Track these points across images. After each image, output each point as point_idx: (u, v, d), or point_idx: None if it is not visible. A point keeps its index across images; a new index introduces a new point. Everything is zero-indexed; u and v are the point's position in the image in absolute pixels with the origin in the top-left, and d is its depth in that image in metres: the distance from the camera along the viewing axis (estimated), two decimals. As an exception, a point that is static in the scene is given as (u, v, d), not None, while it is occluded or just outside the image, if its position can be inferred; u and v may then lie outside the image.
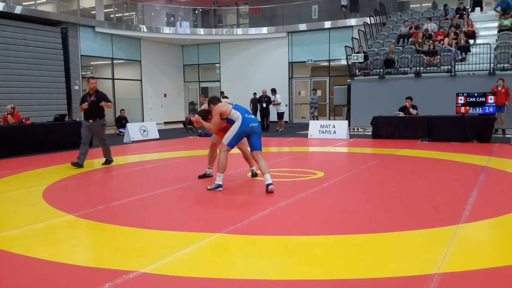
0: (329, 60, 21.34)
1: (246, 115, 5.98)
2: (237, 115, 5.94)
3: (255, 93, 18.53)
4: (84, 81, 20.42)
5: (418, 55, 15.75)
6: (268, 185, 5.75)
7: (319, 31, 21.26)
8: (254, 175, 6.96)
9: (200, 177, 6.91)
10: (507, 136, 12.70)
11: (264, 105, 16.93)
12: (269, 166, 6.64)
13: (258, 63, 22.74)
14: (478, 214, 4.61)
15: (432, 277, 2.99)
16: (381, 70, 16.21)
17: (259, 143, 6.04)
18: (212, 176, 6.92)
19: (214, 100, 6.17)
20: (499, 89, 13.13)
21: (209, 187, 5.98)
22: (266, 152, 10.56)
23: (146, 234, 4.11)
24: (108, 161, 8.75)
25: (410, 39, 16.99)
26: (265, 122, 17.02)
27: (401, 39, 17.60)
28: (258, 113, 17.10)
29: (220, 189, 5.89)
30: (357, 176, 7.08)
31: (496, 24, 16.87)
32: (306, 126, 14.91)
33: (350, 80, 17.20)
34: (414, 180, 6.65)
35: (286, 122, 17.16)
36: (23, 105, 15.55)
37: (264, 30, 22.37)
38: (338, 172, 7.38)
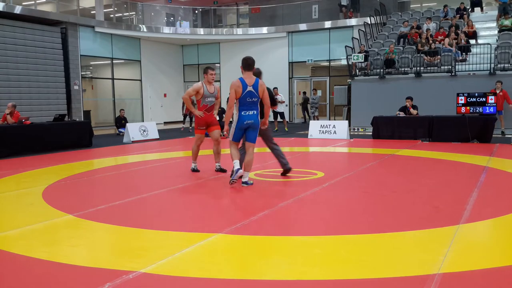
0: (329, 60, 21.34)
1: (243, 112, 6.04)
2: (237, 110, 6.05)
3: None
4: (84, 81, 20.45)
5: (418, 55, 15.75)
6: (244, 182, 6.16)
7: (319, 31, 21.25)
8: (287, 170, 6.93)
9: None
10: (507, 136, 12.70)
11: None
12: (269, 166, 6.67)
13: (258, 63, 22.33)
14: (479, 214, 4.60)
15: (432, 277, 2.99)
16: (382, 70, 16.20)
17: (253, 136, 6.18)
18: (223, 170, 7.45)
19: (246, 64, 6.10)
20: (498, 92, 13.01)
21: (234, 180, 6.15)
22: (266, 153, 10.56)
23: (146, 234, 4.10)
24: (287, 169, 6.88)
25: (414, 33, 16.92)
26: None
27: (402, 39, 17.60)
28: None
29: (240, 171, 6.08)
30: (357, 176, 7.07)
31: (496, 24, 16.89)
32: (306, 126, 14.90)
33: (350, 80, 17.20)
34: (414, 180, 6.64)
35: (280, 122, 17.04)
36: (22, 105, 15.56)
37: (264, 30, 22.37)
38: (338, 172, 7.38)
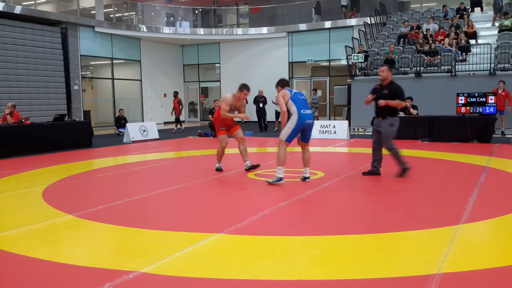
0: (329, 60, 21.34)
1: (302, 111, 6.16)
2: (293, 109, 6.13)
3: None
4: (84, 81, 20.44)
5: (418, 55, 15.75)
6: (304, 178, 6.43)
7: (319, 31, 21.25)
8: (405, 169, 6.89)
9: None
10: (507, 136, 12.69)
11: (261, 105, 16.88)
12: (270, 166, 6.67)
13: (258, 63, 22.73)
14: (479, 214, 4.60)
15: (432, 277, 2.99)
16: (381, 70, 16.17)
17: (308, 136, 6.44)
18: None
19: (283, 83, 6.44)
20: (500, 91, 13.01)
21: (270, 181, 6.18)
22: (266, 153, 10.57)
23: (146, 234, 4.10)
24: (404, 169, 6.76)
25: (414, 33, 16.92)
26: (262, 122, 16.98)
27: (402, 39, 17.60)
28: (255, 113, 17.07)
29: (282, 181, 6.15)
30: (357, 176, 7.07)
31: (496, 24, 16.88)
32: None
33: (350, 80, 17.19)
34: (415, 180, 6.64)
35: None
36: (22, 105, 15.55)
37: (264, 30, 22.36)
38: (338, 172, 7.38)
